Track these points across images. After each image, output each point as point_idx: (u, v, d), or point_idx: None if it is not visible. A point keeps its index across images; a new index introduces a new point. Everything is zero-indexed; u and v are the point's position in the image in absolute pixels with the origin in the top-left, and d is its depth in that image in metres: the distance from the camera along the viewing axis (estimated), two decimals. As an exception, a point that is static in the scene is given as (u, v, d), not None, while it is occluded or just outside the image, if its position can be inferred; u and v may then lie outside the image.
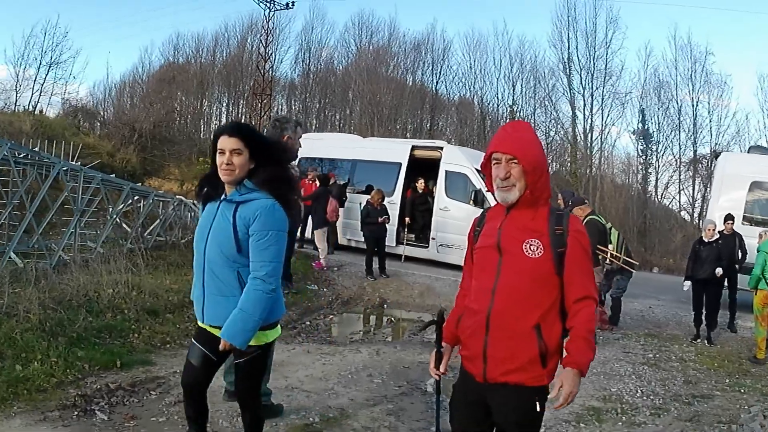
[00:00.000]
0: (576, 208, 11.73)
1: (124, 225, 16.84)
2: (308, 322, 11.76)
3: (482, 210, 4.21)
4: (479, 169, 4.95)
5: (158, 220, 17.76)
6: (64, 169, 12.75)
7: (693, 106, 40.74)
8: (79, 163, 20.31)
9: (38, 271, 10.38)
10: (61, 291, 9.61)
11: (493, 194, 3.57)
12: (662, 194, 41.77)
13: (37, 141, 19.64)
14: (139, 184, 28.21)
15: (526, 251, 3.37)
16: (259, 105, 43.32)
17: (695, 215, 39.01)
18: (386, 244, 17.04)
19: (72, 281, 10.10)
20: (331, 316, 12.59)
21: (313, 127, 46.72)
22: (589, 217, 11.57)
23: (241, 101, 50.49)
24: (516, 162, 3.39)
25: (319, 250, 16.99)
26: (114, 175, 16.76)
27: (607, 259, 12.02)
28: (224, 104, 53.67)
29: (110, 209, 14.95)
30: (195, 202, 19.19)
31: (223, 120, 52.04)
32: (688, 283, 12.88)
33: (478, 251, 3.62)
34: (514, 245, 3.40)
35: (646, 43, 75.29)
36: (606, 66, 42.74)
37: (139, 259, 12.75)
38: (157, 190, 21.52)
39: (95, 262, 11.43)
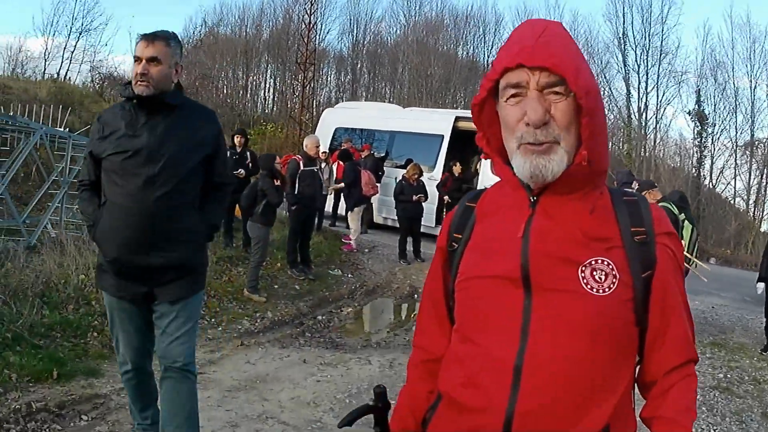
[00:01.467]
0: (645, 193, 9.43)
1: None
2: (320, 317, 9.97)
3: (467, 195, 2.07)
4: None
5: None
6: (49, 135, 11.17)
7: (751, 88, 38.61)
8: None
9: (9, 252, 8.85)
10: (21, 277, 7.97)
11: (495, 166, 1.84)
12: (717, 179, 39.85)
13: (49, 108, 18.19)
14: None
15: (586, 283, 1.64)
16: (302, 76, 41.77)
17: (751, 203, 37.59)
18: (424, 224, 15.44)
19: (41, 265, 8.49)
20: (349, 309, 10.76)
21: (363, 99, 45.34)
22: (661, 204, 9.16)
23: (287, 72, 49.11)
24: (561, 90, 1.63)
25: (351, 230, 15.45)
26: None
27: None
28: (270, 75, 52.45)
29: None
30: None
31: (270, 91, 51.28)
32: (762, 285, 10.68)
33: (470, 285, 1.80)
34: (558, 272, 1.67)
35: (705, 20, 71.84)
36: (662, 43, 40.83)
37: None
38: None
39: (80, 241, 9.86)
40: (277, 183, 10.25)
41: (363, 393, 6.52)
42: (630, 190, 9.85)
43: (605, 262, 1.64)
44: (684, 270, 8.94)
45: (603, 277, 1.63)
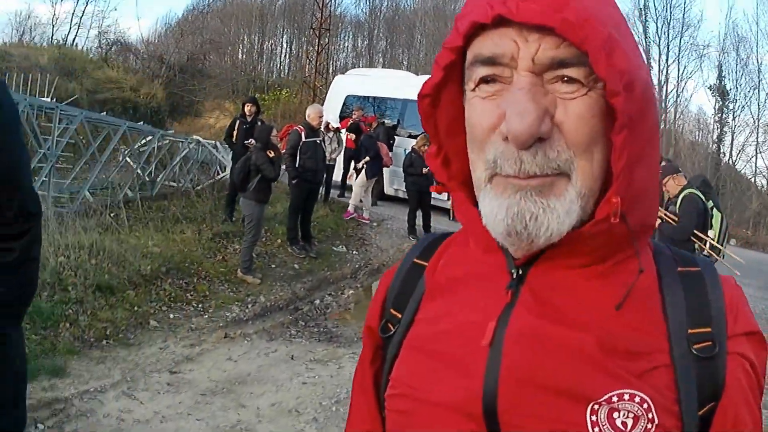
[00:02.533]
0: (669, 179, 8.69)
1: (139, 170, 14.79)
2: (317, 301, 9.39)
3: (420, 241, 1.27)
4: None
5: (170, 165, 15.63)
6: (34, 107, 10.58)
7: (774, 64, 38.14)
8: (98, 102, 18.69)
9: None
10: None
11: (457, 206, 1.11)
12: (737, 156, 39.18)
13: (46, 75, 17.85)
14: (174, 128, 26.42)
15: None
16: (317, 42, 41.05)
17: (773, 182, 36.99)
18: (434, 197, 14.63)
19: (18, 244, 7.92)
20: (350, 292, 10.16)
21: (380, 66, 44.84)
22: (687, 192, 8.41)
23: (303, 38, 48.47)
24: (578, 75, 0.90)
25: (353, 196, 14.91)
26: (137, 117, 14.77)
27: (705, 250, 8.80)
28: (285, 40, 51.79)
29: (98, 152, 12.83)
30: (220, 143, 17.25)
31: (285, 56, 50.87)
32: None
33: (404, 409, 1.06)
34: (549, 412, 0.92)
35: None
36: (684, 15, 40.12)
37: (122, 213, 10.54)
38: (188, 134, 19.55)
39: (69, 217, 9.34)
40: (272, 156, 9.52)
41: (352, 398, 5.93)
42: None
43: (637, 398, 0.91)
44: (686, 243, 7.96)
45: (630, 424, 0.90)
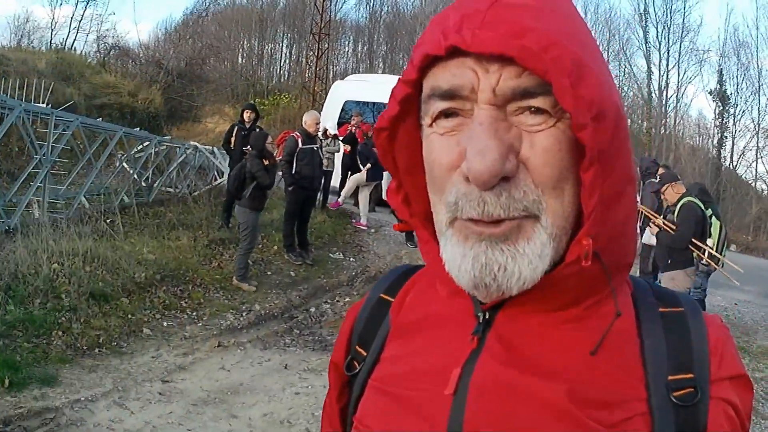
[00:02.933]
0: (667, 188, 8.72)
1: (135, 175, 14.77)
2: (312, 309, 9.35)
3: (388, 274, 1.21)
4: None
5: (166, 171, 15.61)
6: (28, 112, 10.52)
7: (775, 69, 38.19)
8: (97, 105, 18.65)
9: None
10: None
11: (421, 243, 1.02)
12: (738, 161, 39.25)
13: (41, 81, 17.84)
14: (173, 133, 26.42)
15: None
16: (317, 46, 41.04)
17: (772, 187, 36.98)
18: None
19: (12, 252, 7.92)
20: (346, 299, 10.10)
21: (381, 71, 44.82)
22: (686, 200, 8.40)
23: (303, 42, 48.49)
24: (543, 105, 0.83)
25: (360, 207, 14.81)
26: (135, 122, 14.77)
27: (703, 259, 8.74)
28: (285, 45, 51.68)
29: (95, 158, 12.80)
30: (217, 149, 17.22)
31: (285, 61, 50.81)
32: None
33: None
34: None
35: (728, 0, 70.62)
36: (684, 20, 40.23)
37: (118, 219, 10.51)
38: (185, 140, 19.53)
39: (64, 223, 9.31)
40: (267, 163, 9.48)
41: (345, 408, 5.89)
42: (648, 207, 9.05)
43: None
44: (685, 252, 7.92)
45: None
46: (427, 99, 0.89)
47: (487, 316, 0.94)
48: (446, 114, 0.87)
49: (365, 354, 1.09)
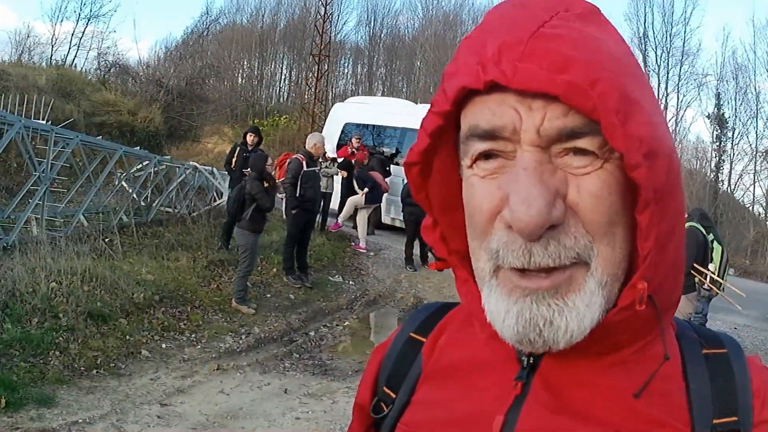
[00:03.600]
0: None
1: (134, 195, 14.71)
2: (312, 333, 9.27)
3: (416, 312, 1.15)
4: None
5: (166, 191, 15.56)
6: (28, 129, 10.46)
7: (773, 92, 38.38)
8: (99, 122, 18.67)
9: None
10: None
11: (459, 284, 0.97)
12: (735, 185, 39.14)
13: (41, 97, 17.85)
14: (172, 152, 26.40)
15: None
16: (317, 68, 41.17)
17: (770, 211, 36.75)
18: None
19: (10, 270, 7.84)
20: (346, 323, 10.06)
21: (380, 93, 45.39)
22: (688, 225, 8.30)
23: (303, 64, 48.70)
24: (591, 147, 0.77)
25: (358, 230, 14.75)
26: (134, 141, 14.75)
27: (705, 284, 8.73)
28: (285, 66, 52.11)
29: (94, 176, 12.75)
30: (217, 169, 17.20)
31: (285, 82, 51.04)
32: None
33: None
34: None
35: (724, 24, 71.24)
36: (683, 44, 40.47)
37: (117, 239, 10.44)
38: (185, 161, 19.55)
39: (62, 241, 9.22)
40: (267, 186, 9.43)
41: (346, 435, 5.81)
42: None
43: None
44: (687, 277, 7.90)
45: None
46: (465, 139, 0.83)
47: (531, 361, 0.90)
48: (488, 155, 0.82)
49: (394, 396, 1.03)
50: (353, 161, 15.66)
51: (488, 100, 0.79)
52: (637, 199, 0.77)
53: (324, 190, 13.33)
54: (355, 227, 15.03)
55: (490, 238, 0.82)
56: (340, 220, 14.89)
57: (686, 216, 8.62)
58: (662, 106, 40.21)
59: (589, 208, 0.77)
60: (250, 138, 12.78)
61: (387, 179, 16.00)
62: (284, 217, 12.39)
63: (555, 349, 0.82)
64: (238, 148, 12.79)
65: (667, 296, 0.87)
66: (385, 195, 16.39)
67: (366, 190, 14.53)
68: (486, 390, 0.92)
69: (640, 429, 0.83)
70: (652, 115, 0.79)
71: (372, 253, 14.49)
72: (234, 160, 12.67)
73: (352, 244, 14.59)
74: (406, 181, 12.70)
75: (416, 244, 13.67)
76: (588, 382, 0.87)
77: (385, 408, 1.04)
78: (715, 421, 0.85)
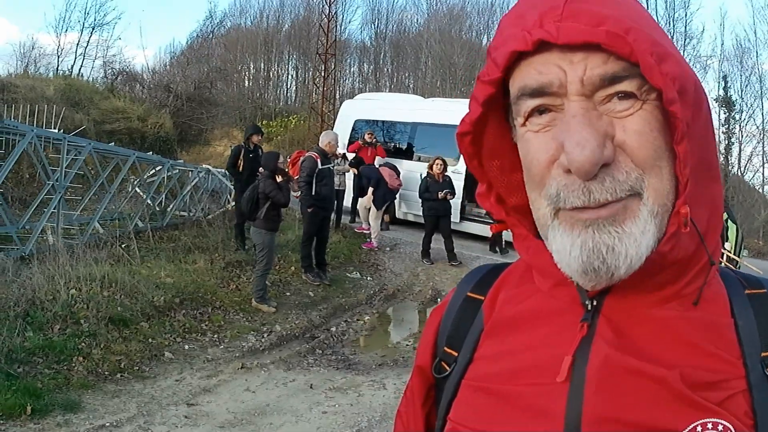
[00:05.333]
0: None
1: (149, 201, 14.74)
2: (334, 329, 9.25)
3: (472, 272, 1.20)
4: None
5: (180, 195, 15.56)
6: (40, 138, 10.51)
7: (775, 72, 38.00)
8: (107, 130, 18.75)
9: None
10: (5, 294, 7.34)
11: (519, 242, 1.04)
12: (745, 167, 39.07)
13: (52, 106, 17.89)
14: (183, 157, 26.50)
15: None
16: (323, 67, 41.16)
17: (781, 191, 36.46)
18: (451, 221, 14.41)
19: (29, 278, 7.85)
20: (366, 318, 10.04)
21: (387, 90, 45.04)
22: None
23: (309, 63, 48.75)
24: (632, 89, 0.86)
25: (372, 229, 14.65)
26: (145, 147, 14.78)
27: (722, 263, 8.62)
28: (292, 66, 52.27)
29: (108, 183, 12.78)
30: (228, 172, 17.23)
31: (292, 83, 51.12)
32: None
33: None
34: None
35: (720, 5, 70.75)
36: (686, 28, 40.41)
37: (133, 244, 10.44)
38: (198, 163, 19.59)
39: (79, 249, 9.23)
40: (280, 180, 9.39)
41: (374, 427, 5.80)
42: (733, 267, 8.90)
43: (720, 426, 0.86)
44: None
45: None
46: (516, 99, 0.90)
47: (594, 303, 0.94)
48: (539, 111, 0.88)
49: (456, 354, 1.07)
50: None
51: (534, 61, 0.87)
52: (672, 134, 0.85)
53: (337, 188, 13.30)
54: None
55: (548, 184, 0.88)
56: (373, 239, 14.66)
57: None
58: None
59: (635, 145, 0.85)
60: (256, 138, 12.80)
61: (399, 175, 15.96)
62: (301, 215, 12.35)
63: (616, 276, 0.87)
64: (243, 150, 12.73)
65: (710, 229, 0.94)
66: (400, 190, 16.35)
67: (370, 192, 14.50)
68: (550, 336, 0.96)
69: (700, 364, 0.88)
70: (678, 55, 0.87)
71: (388, 248, 14.48)
72: (240, 161, 12.61)
73: (363, 245, 14.51)
74: (423, 176, 12.64)
75: (436, 239, 13.66)
76: (648, 319, 0.92)
77: (447, 367, 1.07)
78: (763, 354, 0.91)
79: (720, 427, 0.85)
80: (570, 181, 0.85)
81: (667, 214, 0.88)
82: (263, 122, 36.31)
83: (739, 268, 9.10)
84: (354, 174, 15.36)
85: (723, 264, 8.32)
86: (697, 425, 0.85)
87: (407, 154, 17.98)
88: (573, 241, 0.87)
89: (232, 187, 16.85)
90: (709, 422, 0.85)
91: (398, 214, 17.58)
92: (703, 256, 0.93)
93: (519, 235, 1.01)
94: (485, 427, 0.96)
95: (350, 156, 15.97)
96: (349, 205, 16.53)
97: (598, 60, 0.84)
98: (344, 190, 15.40)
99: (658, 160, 0.86)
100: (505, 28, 0.92)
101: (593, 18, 0.84)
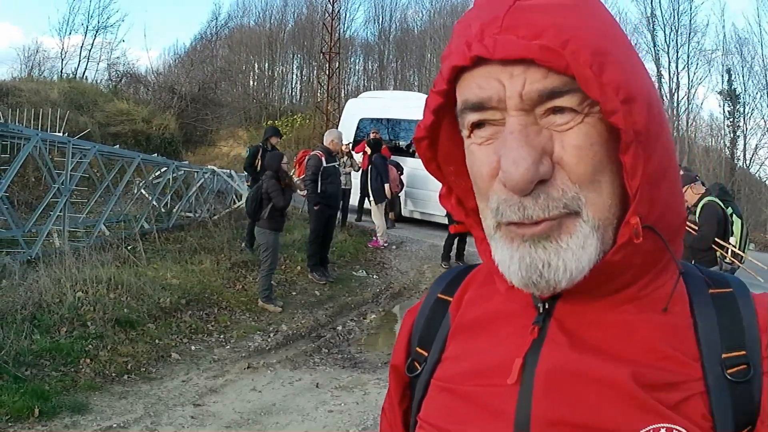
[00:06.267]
0: (687, 189, 8.65)
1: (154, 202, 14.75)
2: (340, 327, 9.27)
3: (443, 275, 1.24)
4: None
5: (185, 196, 15.59)
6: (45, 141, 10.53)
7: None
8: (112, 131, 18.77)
9: (4, 267, 8.28)
10: (12, 297, 7.37)
11: (478, 244, 1.06)
12: (751, 159, 38.73)
13: (56, 110, 17.94)
14: (188, 158, 26.54)
15: None
16: (328, 66, 41.11)
17: (787, 184, 36.36)
18: None
19: (36, 281, 7.87)
20: (372, 317, 10.06)
21: (392, 88, 45.16)
22: (707, 200, 8.41)
23: (314, 62, 48.74)
24: (571, 103, 0.86)
25: (377, 226, 14.62)
26: (151, 148, 14.81)
27: (727, 258, 8.71)
28: (296, 65, 52.30)
29: (113, 185, 12.81)
30: (235, 172, 17.23)
31: (296, 82, 51.09)
32: None
33: None
34: None
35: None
36: (690, 21, 39.97)
37: (139, 246, 10.46)
38: (204, 165, 19.63)
39: (85, 251, 9.26)
40: (283, 185, 9.40)
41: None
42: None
43: (673, 431, 0.87)
44: (709, 252, 7.93)
45: None
46: (460, 112, 0.92)
47: (546, 306, 0.97)
48: (479, 125, 0.90)
49: (426, 354, 1.11)
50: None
51: (476, 74, 0.88)
52: (619, 143, 0.85)
53: (343, 187, 13.29)
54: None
55: (490, 197, 0.90)
56: (379, 237, 14.64)
57: (705, 190, 8.61)
58: (674, 86, 39.84)
59: (573, 161, 0.85)
60: (274, 140, 12.78)
61: (402, 175, 15.94)
62: (308, 214, 12.36)
63: (559, 288, 0.89)
64: (261, 149, 12.74)
65: (669, 226, 0.94)
66: (405, 188, 16.34)
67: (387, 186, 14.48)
68: (507, 338, 0.99)
69: (654, 365, 0.89)
70: (626, 64, 0.87)
71: (394, 247, 14.49)
72: (258, 162, 12.62)
73: (369, 243, 14.50)
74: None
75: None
76: (601, 322, 0.94)
77: (418, 366, 1.11)
78: (724, 356, 0.91)
79: None
80: (508, 197, 0.87)
81: (611, 226, 0.89)
82: (268, 122, 36.31)
83: (744, 262, 9.09)
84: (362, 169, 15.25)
85: (728, 259, 8.36)
86: (650, 430, 0.86)
87: (412, 152, 17.93)
88: (512, 254, 0.90)
89: (237, 187, 16.88)
90: (662, 427, 0.86)
91: (404, 212, 17.58)
92: (661, 259, 0.95)
93: (477, 237, 1.03)
94: (449, 426, 0.99)
95: (357, 156, 15.91)
96: (356, 204, 16.55)
97: (538, 74, 0.84)
98: (350, 189, 15.38)
99: (598, 174, 0.86)
100: (455, 36, 0.93)
101: (532, 30, 0.84)
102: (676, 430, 0.86)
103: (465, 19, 0.93)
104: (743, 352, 0.91)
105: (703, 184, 8.97)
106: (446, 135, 1.01)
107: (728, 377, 0.90)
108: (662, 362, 0.90)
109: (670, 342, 0.92)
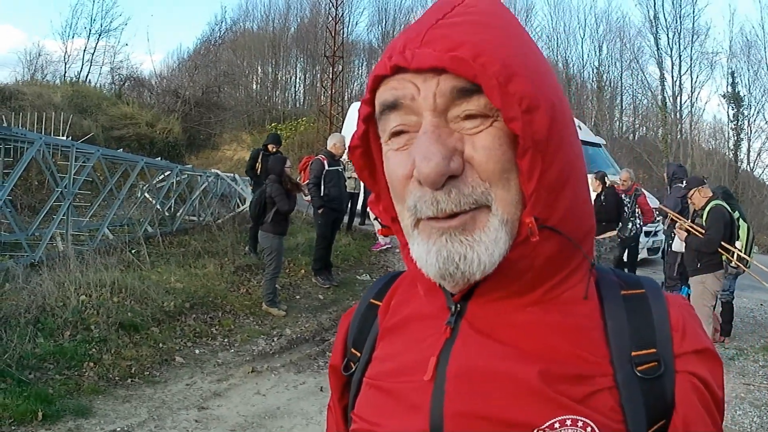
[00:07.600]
0: (694, 192, 8.71)
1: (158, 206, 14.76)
2: (343, 332, 9.19)
3: (376, 282, 1.34)
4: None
5: (189, 200, 15.59)
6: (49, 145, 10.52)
7: (782, 68, 37.28)
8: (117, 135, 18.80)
9: (8, 271, 8.27)
10: (15, 301, 7.36)
11: (402, 250, 1.14)
12: (754, 163, 39.05)
13: (60, 113, 17.95)
14: (192, 161, 26.55)
15: None
16: (331, 70, 41.14)
17: (790, 187, 36.32)
18: None
19: (39, 285, 7.86)
20: (376, 320, 9.98)
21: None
22: (714, 203, 8.47)
23: (317, 66, 48.80)
24: (479, 109, 0.93)
25: (377, 229, 14.40)
26: (154, 152, 14.85)
27: (732, 262, 8.70)
28: (299, 69, 52.31)
29: (116, 189, 12.80)
30: (238, 176, 17.23)
31: (300, 86, 51.17)
32: None
33: None
34: None
35: (729, 1, 70.55)
36: (693, 25, 40.08)
37: (143, 250, 10.46)
38: (208, 168, 19.61)
39: (89, 255, 9.25)
40: (287, 188, 9.38)
41: (384, 428, 5.77)
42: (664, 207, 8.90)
43: (579, 422, 0.93)
44: (715, 255, 7.98)
45: None
46: (380, 115, 0.98)
47: (458, 307, 1.04)
48: (396, 133, 0.96)
49: (359, 354, 1.20)
50: None
51: (392, 80, 0.95)
52: (533, 149, 0.91)
53: (351, 191, 13.29)
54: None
55: (407, 197, 0.96)
56: (381, 239, 14.72)
57: (710, 195, 8.62)
58: (677, 89, 39.81)
59: (483, 160, 0.92)
60: (271, 147, 12.79)
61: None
62: (313, 218, 12.36)
63: (473, 280, 0.96)
64: (261, 153, 12.76)
65: (576, 230, 1.00)
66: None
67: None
68: (425, 338, 1.06)
69: (560, 362, 0.95)
70: (534, 77, 0.93)
71: (397, 250, 14.45)
72: (258, 165, 12.63)
73: (372, 247, 14.48)
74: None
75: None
76: (510, 322, 1.00)
77: (353, 366, 1.20)
78: (633, 354, 0.97)
79: (580, 423, 0.92)
80: (423, 193, 0.92)
81: (518, 221, 0.95)
82: (272, 125, 36.36)
83: (749, 266, 9.07)
84: None
85: (733, 263, 8.35)
86: (555, 422, 0.91)
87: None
88: (429, 248, 0.95)
89: (241, 191, 16.88)
90: (568, 419, 0.92)
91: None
92: (570, 262, 1.01)
93: (402, 243, 1.08)
94: (376, 419, 1.06)
95: None
96: (360, 209, 16.56)
97: (449, 82, 0.90)
98: (359, 194, 15.44)
99: (506, 173, 0.92)
100: (385, 52, 0.99)
101: (448, 44, 0.90)
102: (582, 421, 0.92)
103: (395, 39, 0.98)
104: (653, 350, 0.98)
105: (710, 190, 8.98)
106: (376, 145, 1.05)
107: (638, 374, 0.96)
108: (569, 359, 0.96)
109: (576, 342, 0.98)
